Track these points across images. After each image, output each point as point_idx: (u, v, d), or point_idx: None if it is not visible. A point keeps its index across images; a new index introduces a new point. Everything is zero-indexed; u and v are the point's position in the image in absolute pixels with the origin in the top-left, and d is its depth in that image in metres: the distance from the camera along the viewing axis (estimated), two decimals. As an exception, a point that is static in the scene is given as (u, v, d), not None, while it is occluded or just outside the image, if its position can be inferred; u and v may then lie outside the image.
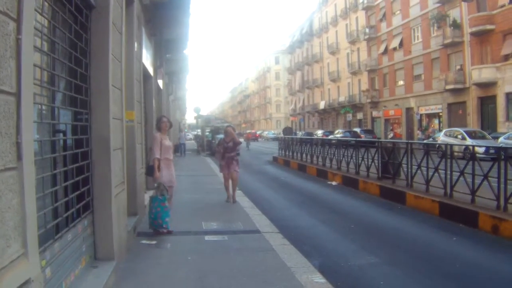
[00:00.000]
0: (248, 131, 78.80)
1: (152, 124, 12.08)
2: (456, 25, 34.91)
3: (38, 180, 3.34)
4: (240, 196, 11.51)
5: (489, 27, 31.08)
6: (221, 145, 11.15)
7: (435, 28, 37.69)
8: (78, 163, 4.69)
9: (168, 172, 8.06)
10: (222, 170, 11.07)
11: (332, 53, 62.14)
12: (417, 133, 39.89)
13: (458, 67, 35.44)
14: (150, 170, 7.99)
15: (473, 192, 9.27)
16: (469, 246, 7.60)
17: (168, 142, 8.18)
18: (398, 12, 44.77)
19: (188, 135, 62.95)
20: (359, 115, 54.54)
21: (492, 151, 15.06)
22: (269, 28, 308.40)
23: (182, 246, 6.89)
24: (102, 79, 5.25)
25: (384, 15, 47.58)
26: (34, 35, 3.16)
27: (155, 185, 7.77)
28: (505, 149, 9.25)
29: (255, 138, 67.52)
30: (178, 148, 30.88)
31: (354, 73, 55.71)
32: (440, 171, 10.61)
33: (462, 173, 9.83)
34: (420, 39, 40.88)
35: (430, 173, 10.92)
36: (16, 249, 2.59)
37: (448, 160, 10.31)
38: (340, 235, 8.44)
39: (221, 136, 36.27)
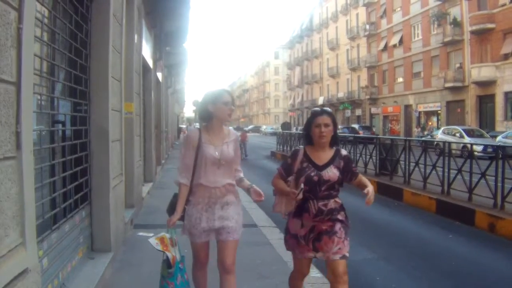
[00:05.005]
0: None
1: (151, 117, 12.05)
2: (456, 23, 34.91)
3: (37, 170, 3.33)
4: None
5: (489, 25, 31.09)
6: (298, 168, 3.80)
7: (435, 25, 37.67)
8: (76, 154, 4.68)
9: (201, 215, 3.76)
10: (291, 247, 3.92)
11: (332, 49, 62.04)
12: (417, 130, 39.89)
13: (458, 65, 35.46)
14: (171, 206, 3.89)
15: (470, 190, 9.30)
16: (465, 244, 7.62)
17: (215, 151, 3.69)
18: (399, 9, 44.70)
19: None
20: (358, 112, 54.56)
21: (490, 149, 15.08)
22: (269, 23, 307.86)
23: (179, 239, 6.86)
24: (102, 70, 5.24)
25: (384, 11, 47.52)
26: (35, 25, 3.14)
27: (154, 240, 3.62)
28: (503, 147, 9.29)
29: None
30: None
31: (353, 69, 55.66)
32: (437, 168, 10.63)
33: (459, 171, 9.85)
34: (420, 37, 40.86)
35: (428, 171, 10.94)
36: (14, 239, 2.59)
37: (446, 158, 10.34)
38: (336, 230, 8.45)
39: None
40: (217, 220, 3.75)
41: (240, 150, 4.03)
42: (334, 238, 3.67)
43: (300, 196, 3.63)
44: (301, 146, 3.93)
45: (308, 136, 3.82)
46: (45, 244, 3.57)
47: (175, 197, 3.87)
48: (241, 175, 4.10)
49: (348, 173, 3.86)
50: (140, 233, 7.14)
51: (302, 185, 3.64)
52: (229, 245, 3.84)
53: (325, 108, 3.84)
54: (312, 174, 3.68)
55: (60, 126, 4.33)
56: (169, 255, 3.60)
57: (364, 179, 3.89)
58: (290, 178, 3.86)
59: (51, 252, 3.73)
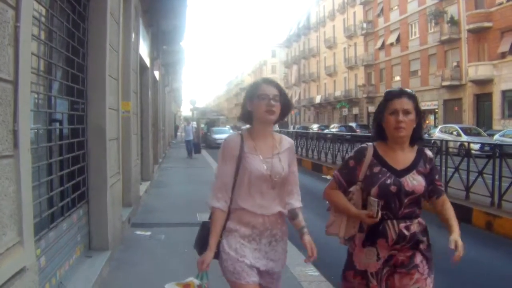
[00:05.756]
0: None
1: (148, 115, 12.02)
2: (454, 22, 34.92)
3: (34, 169, 3.33)
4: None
5: (486, 24, 31.11)
6: (366, 174, 2.66)
7: (433, 24, 37.69)
8: (74, 153, 4.68)
9: (243, 245, 2.68)
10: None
11: (329, 47, 62.04)
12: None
13: (455, 63, 35.49)
14: (199, 238, 2.85)
15: (468, 188, 9.30)
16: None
17: (262, 164, 2.66)
18: (396, 7, 44.70)
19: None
20: (355, 110, 54.57)
21: (487, 148, 15.11)
22: (266, 21, 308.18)
23: (176, 238, 6.87)
24: (99, 69, 5.23)
25: (381, 10, 47.50)
26: (32, 24, 3.14)
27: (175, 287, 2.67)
28: (500, 146, 9.28)
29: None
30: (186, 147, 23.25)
31: (350, 68, 55.68)
32: (434, 167, 10.62)
33: (457, 169, 9.85)
34: (417, 35, 40.87)
35: (425, 169, 10.93)
36: (11, 237, 2.59)
37: (443, 156, 10.35)
38: (334, 229, 8.45)
39: (224, 129, 30.27)
40: (263, 259, 2.72)
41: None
42: (414, 274, 2.66)
43: (379, 216, 2.53)
44: (369, 143, 2.74)
45: (380, 128, 2.67)
46: (42, 242, 3.57)
47: (204, 228, 2.77)
48: (297, 205, 2.88)
49: (429, 185, 2.66)
50: (138, 232, 7.14)
51: (376, 200, 2.53)
52: None
53: (405, 89, 2.65)
54: (388, 182, 2.56)
55: (57, 124, 4.32)
56: None
57: (450, 210, 2.77)
58: (353, 188, 2.73)
59: (49, 251, 3.73)
